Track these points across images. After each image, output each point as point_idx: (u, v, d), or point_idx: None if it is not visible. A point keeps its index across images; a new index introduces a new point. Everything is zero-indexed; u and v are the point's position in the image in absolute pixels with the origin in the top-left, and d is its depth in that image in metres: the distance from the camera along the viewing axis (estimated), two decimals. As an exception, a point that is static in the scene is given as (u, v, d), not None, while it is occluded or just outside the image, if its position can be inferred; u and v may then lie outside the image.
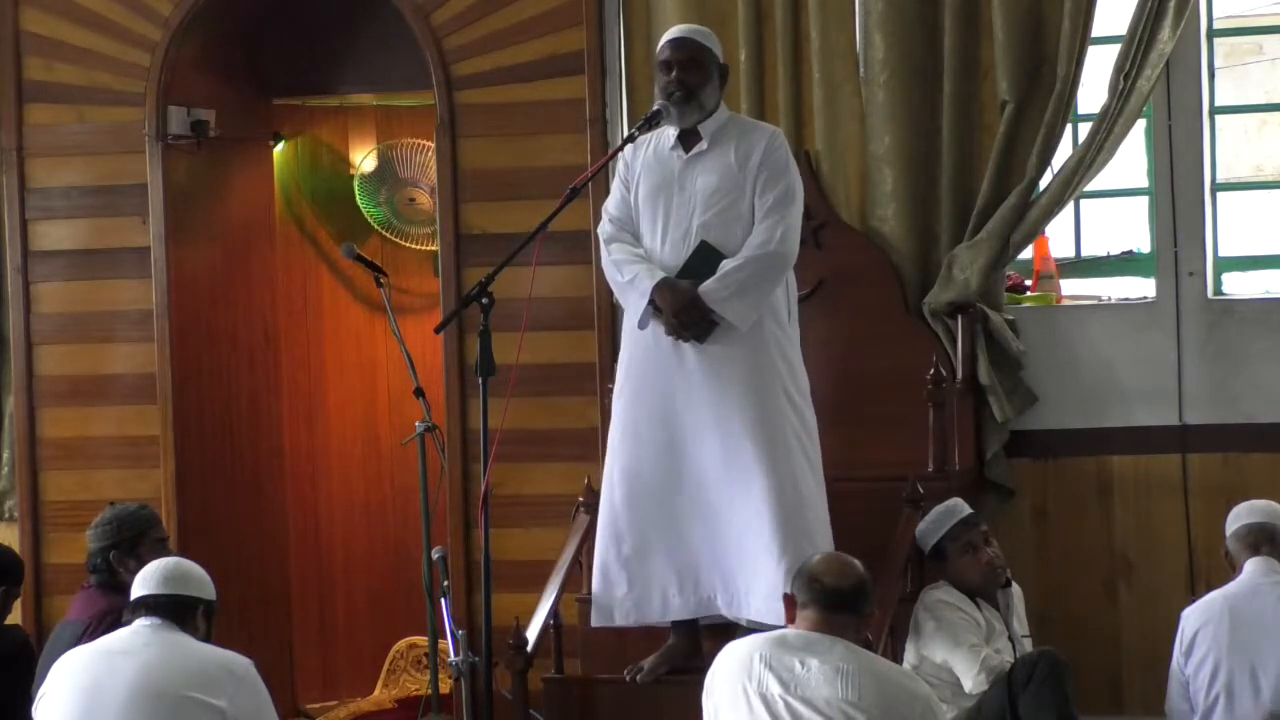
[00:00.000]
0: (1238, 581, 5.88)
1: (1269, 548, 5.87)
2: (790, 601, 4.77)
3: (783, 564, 5.82)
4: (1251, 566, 5.86)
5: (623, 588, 6.08)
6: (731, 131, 6.07)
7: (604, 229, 6.16)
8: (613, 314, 7.45)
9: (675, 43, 6.09)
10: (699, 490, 5.99)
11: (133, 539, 5.69)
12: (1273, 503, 6.01)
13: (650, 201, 6.08)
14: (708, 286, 5.89)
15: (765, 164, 6.00)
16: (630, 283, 6.00)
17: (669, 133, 6.10)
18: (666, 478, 6.02)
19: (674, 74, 6.01)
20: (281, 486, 8.39)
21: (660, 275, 5.95)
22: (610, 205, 6.20)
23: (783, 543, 5.87)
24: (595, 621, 6.15)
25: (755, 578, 5.93)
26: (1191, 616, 5.89)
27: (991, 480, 7.13)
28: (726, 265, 5.91)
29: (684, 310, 5.90)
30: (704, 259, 5.93)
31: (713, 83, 6.05)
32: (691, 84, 6.00)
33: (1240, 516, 5.97)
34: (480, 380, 5.86)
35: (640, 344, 6.08)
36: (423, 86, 7.73)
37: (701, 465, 5.98)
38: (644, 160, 6.14)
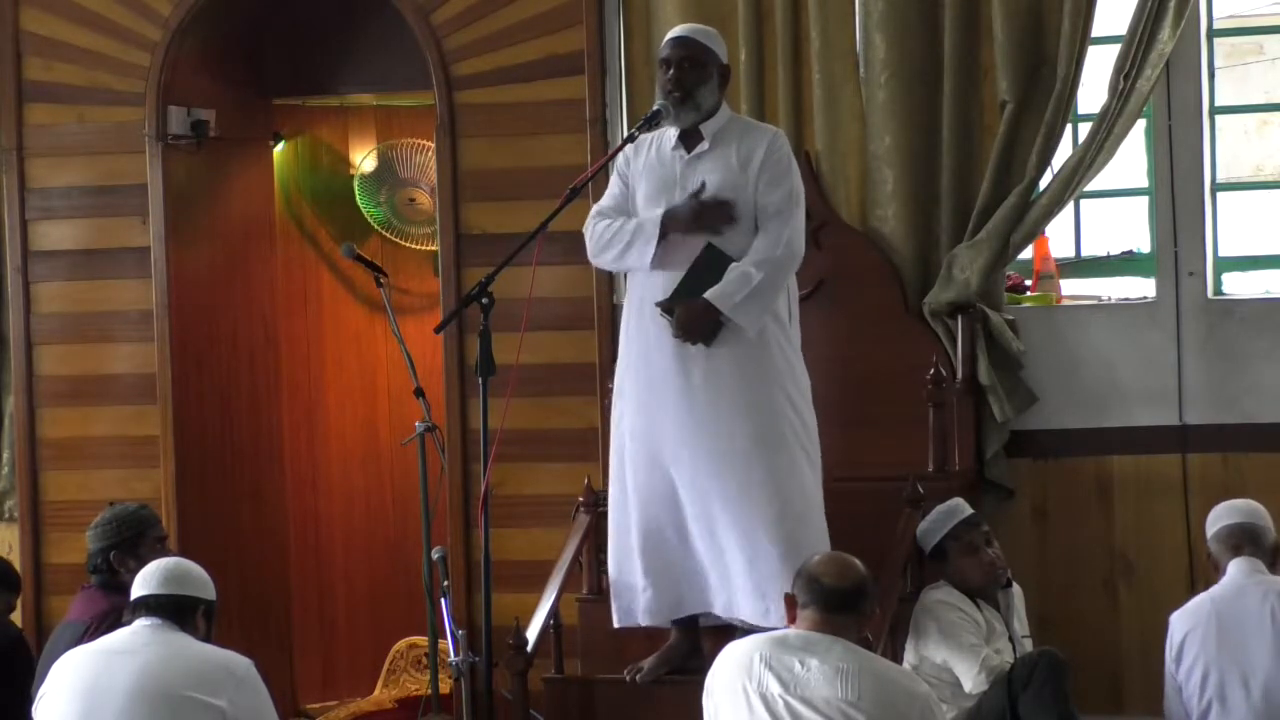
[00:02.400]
0: (1222, 584, 5.84)
1: (1251, 548, 5.83)
2: (791, 601, 4.78)
3: (786, 565, 5.81)
4: (1235, 568, 5.82)
5: (647, 587, 6.06)
6: (733, 132, 6.05)
7: (589, 221, 6.14)
8: (613, 314, 7.44)
9: (675, 41, 6.08)
10: (700, 492, 5.96)
11: (133, 539, 5.69)
12: (1251, 501, 5.98)
13: (652, 202, 6.06)
14: (718, 291, 5.86)
15: (767, 166, 5.98)
16: (637, 227, 5.96)
17: (670, 133, 6.09)
18: (671, 478, 6.00)
19: (671, 72, 6.01)
20: (281, 486, 8.39)
21: (657, 214, 5.94)
22: (603, 201, 6.19)
23: (785, 544, 5.86)
24: (619, 622, 6.12)
25: (754, 579, 5.91)
26: (1179, 621, 5.86)
27: (991, 480, 7.13)
28: (734, 270, 5.88)
29: (697, 319, 5.88)
30: (710, 261, 5.91)
31: (711, 83, 6.03)
32: (688, 84, 5.99)
33: (1220, 518, 5.93)
34: (480, 380, 5.86)
35: (641, 343, 6.06)
36: (423, 86, 7.73)
37: (703, 467, 5.96)
38: (646, 161, 6.13)
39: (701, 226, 5.94)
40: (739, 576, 5.94)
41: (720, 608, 6.01)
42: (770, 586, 5.85)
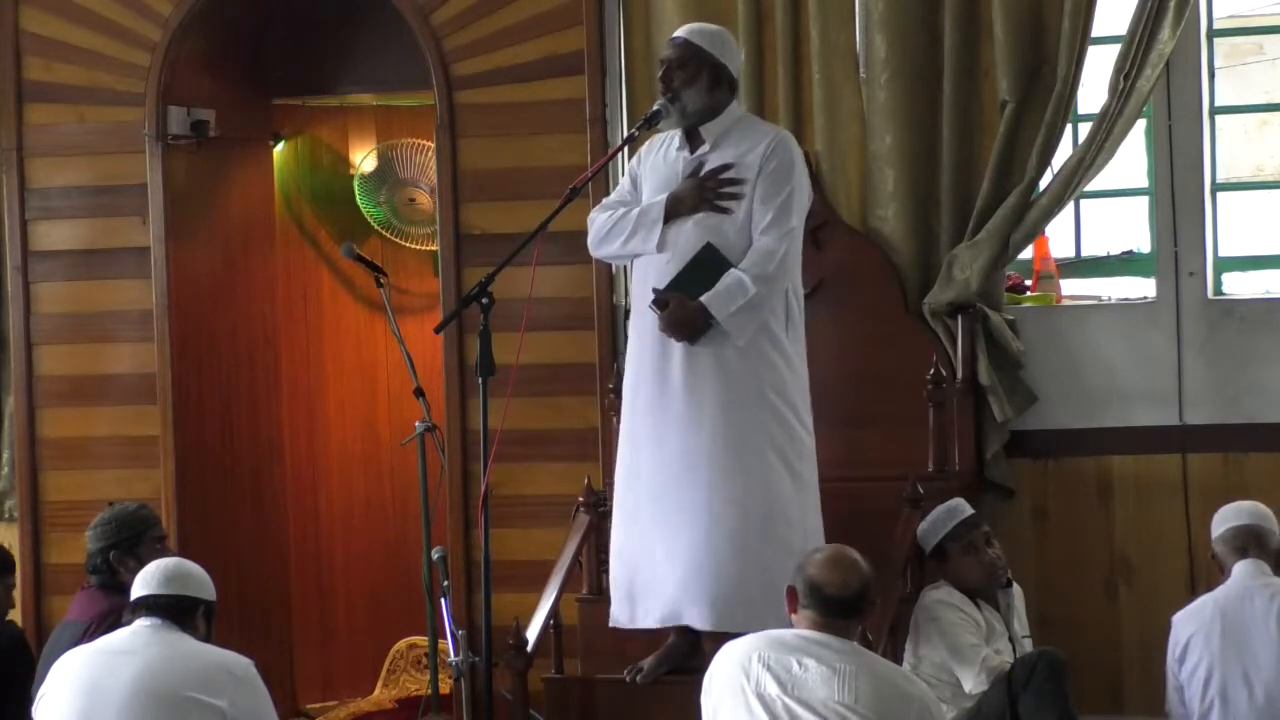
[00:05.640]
0: (1227, 585, 5.84)
1: (1256, 550, 5.83)
2: (792, 594, 4.76)
3: (744, 578, 5.82)
4: (1240, 570, 5.82)
5: (617, 590, 6.06)
6: (736, 133, 6.03)
7: (592, 214, 6.15)
8: (613, 314, 7.45)
9: (669, 42, 6.13)
10: (675, 497, 5.93)
11: (132, 539, 5.69)
12: (1258, 504, 5.98)
13: (655, 200, 6.08)
14: (713, 297, 5.83)
15: (765, 169, 5.95)
16: (641, 213, 5.97)
17: (679, 133, 6.10)
18: (653, 480, 5.98)
19: (661, 73, 6.03)
20: (281, 486, 8.39)
21: (661, 197, 5.95)
22: (610, 196, 6.20)
23: (745, 556, 5.83)
24: (612, 622, 6.13)
25: (709, 589, 5.87)
26: (1183, 622, 5.86)
27: (991, 480, 7.12)
28: (731, 276, 5.84)
29: (688, 319, 5.86)
30: (707, 261, 5.90)
31: (698, 85, 5.99)
32: (674, 85, 5.99)
33: (1226, 519, 5.93)
34: (480, 380, 5.86)
35: (637, 340, 6.07)
36: (423, 86, 7.73)
37: (678, 470, 5.93)
38: (653, 161, 6.14)
39: (706, 202, 5.93)
40: (695, 584, 5.88)
41: (684, 616, 5.94)
42: (728, 597, 5.83)
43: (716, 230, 5.93)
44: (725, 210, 5.93)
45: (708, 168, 5.98)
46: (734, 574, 5.85)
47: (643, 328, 6.04)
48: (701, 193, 5.94)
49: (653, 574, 5.96)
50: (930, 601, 6.22)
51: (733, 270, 5.86)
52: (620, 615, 6.07)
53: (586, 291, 7.46)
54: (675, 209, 5.96)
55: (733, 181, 5.94)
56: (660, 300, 5.91)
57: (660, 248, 5.97)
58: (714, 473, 5.89)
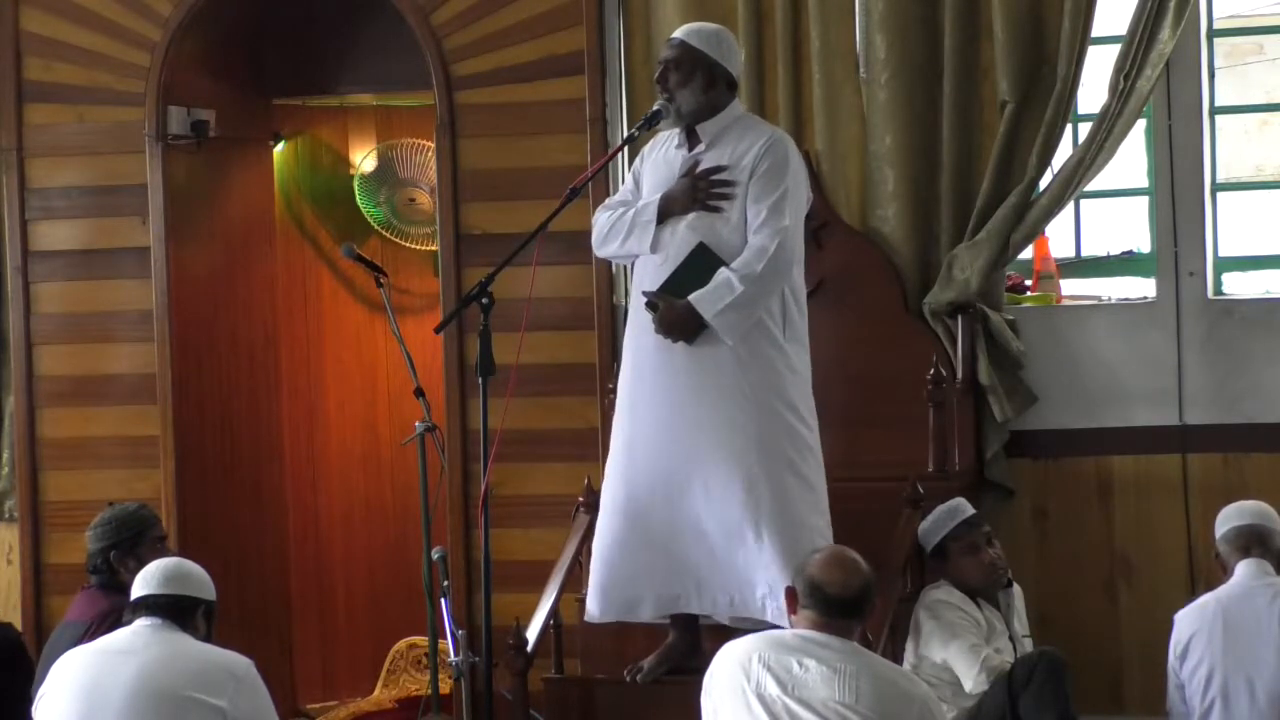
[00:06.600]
0: (1230, 584, 5.84)
1: (1259, 549, 5.83)
2: (792, 595, 4.77)
3: (760, 575, 5.82)
4: (1243, 569, 5.82)
5: (613, 585, 6.05)
6: (733, 132, 6.03)
7: (595, 213, 6.16)
8: (613, 314, 7.45)
9: (667, 42, 6.13)
10: (681, 496, 5.93)
11: (132, 538, 5.70)
12: (1261, 503, 5.98)
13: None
14: (701, 296, 5.84)
15: (759, 168, 5.93)
16: (636, 213, 5.97)
17: (680, 131, 6.10)
18: (653, 481, 5.96)
19: (657, 74, 6.03)
20: (281, 486, 8.39)
21: (655, 197, 5.95)
22: (614, 196, 6.21)
23: (759, 552, 5.83)
24: (586, 616, 6.13)
25: (731, 585, 5.88)
26: (1185, 620, 5.85)
27: (991, 480, 7.13)
28: (721, 274, 5.84)
29: (678, 319, 5.86)
30: (700, 261, 5.89)
31: (693, 85, 5.98)
32: (670, 85, 6.00)
33: (1229, 519, 5.93)
34: (480, 380, 5.86)
35: (634, 337, 6.07)
36: (423, 86, 7.73)
37: (681, 474, 5.92)
38: (653, 160, 6.15)
39: (699, 201, 5.93)
40: (717, 582, 5.90)
41: (694, 610, 5.97)
42: (748, 592, 5.85)
43: (710, 230, 5.93)
44: (717, 210, 5.93)
45: (702, 167, 5.98)
46: (740, 576, 5.86)
47: (640, 330, 6.03)
48: (693, 193, 5.95)
49: (655, 574, 5.97)
50: (931, 601, 6.22)
51: (723, 269, 5.86)
52: (598, 610, 6.06)
53: (586, 291, 7.47)
54: (668, 209, 5.97)
55: (725, 182, 5.94)
56: (651, 302, 5.92)
57: (654, 248, 5.97)
58: (717, 476, 5.89)
